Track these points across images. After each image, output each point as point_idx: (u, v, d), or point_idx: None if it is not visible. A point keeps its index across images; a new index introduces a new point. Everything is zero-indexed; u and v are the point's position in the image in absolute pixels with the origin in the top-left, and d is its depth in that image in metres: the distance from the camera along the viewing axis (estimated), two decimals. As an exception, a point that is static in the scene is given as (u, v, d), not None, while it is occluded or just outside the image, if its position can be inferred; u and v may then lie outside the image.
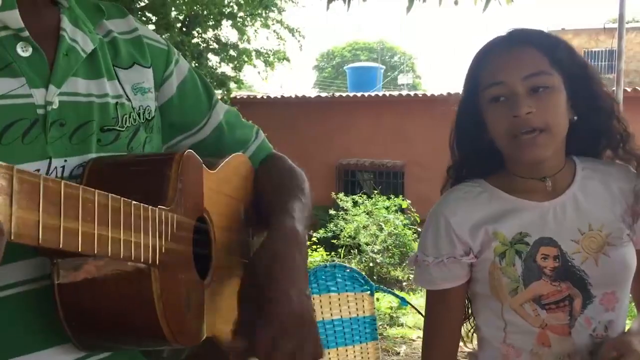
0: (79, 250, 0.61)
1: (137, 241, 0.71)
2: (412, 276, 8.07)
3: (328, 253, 8.34)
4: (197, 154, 0.92)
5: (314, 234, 8.66)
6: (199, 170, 0.92)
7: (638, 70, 19.71)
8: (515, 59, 1.24)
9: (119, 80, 0.95)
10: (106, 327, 0.79)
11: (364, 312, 2.90)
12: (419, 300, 6.97)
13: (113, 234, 0.66)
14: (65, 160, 0.83)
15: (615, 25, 10.37)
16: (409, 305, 5.86)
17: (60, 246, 0.58)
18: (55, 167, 0.82)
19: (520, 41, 1.26)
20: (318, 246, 8.31)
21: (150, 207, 0.74)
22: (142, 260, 0.72)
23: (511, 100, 1.21)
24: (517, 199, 1.28)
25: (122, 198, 0.69)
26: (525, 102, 1.20)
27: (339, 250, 8.64)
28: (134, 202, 0.71)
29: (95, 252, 0.64)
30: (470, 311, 1.40)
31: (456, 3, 5.82)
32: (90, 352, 0.84)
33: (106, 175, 0.84)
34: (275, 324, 0.84)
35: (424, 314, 1.42)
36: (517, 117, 1.20)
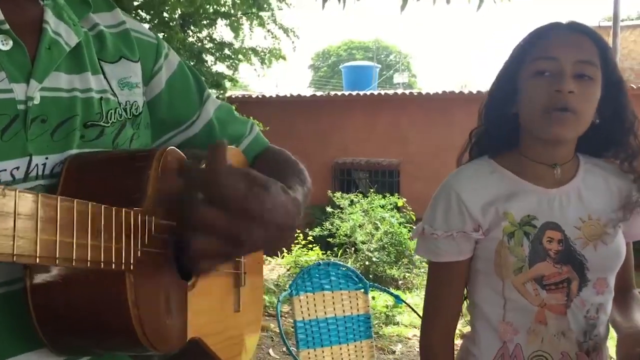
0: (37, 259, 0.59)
1: (108, 247, 0.68)
2: (407, 274, 8.09)
3: (324, 252, 8.33)
4: (188, 151, 0.89)
5: (310, 233, 8.65)
6: (181, 166, 0.88)
7: (633, 68, 19.75)
8: (573, 42, 1.29)
9: (104, 75, 0.92)
10: (81, 332, 0.77)
11: (358, 310, 2.90)
12: (414, 298, 6.97)
13: (79, 240, 0.63)
14: (47, 158, 0.81)
15: (610, 23, 10.41)
16: (404, 304, 5.86)
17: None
18: (36, 165, 0.80)
19: (580, 30, 1.31)
20: (314, 245, 8.30)
21: (123, 209, 0.71)
22: (113, 266, 0.69)
23: (557, 76, 1.25)
24: (526, 182, 1.34)
25: (90, 202, 0.66)
26: (571, 82, 1.24)
27: (335, 249, 8.63)
28: (104, 205, 0.68)
29: (57, 258, 0.61)
30: (466, 291, 1.43)
31: (448, 2, 5.84)
32: (66, 356, 0.82)
33: (84, 173, 0.81)
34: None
35: (423, 297, 1.44)
36: (559, 93, 1.24)
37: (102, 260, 0.67)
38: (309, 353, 2.73)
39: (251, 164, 1.12)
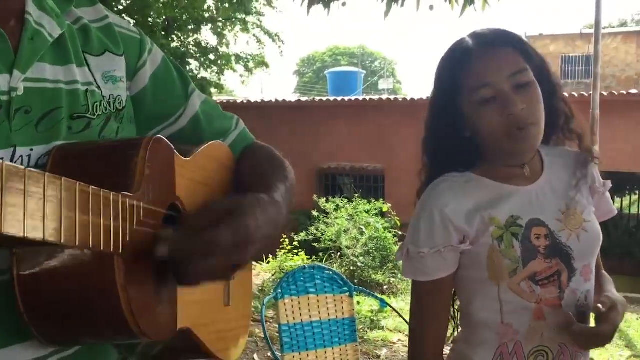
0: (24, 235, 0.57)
1: (96, 228, 0.67)
2: (392, 279, 8.10)
3: (309, 257, 8.32)
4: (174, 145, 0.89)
5: (295, 237, 8.64)
6: (169, 156, 0.88)
7: (614, 75, 19.99)
8: (496, 59, 1.30)
9: (89, 68, 0.91)
10: (70, 319, 0.76)
11: (343, 313, 2.89)
12: (399, 303, 6.98)
13: (66, 219, 0.62)
14: (31, 150, 0.80)
15: (592, 30, 10.53)
16: (388, 308, 5.87)
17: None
18: (21, 156, 0.79)
19: (493, 43, 1.32)
20: (299, 250, 8.29)
21: (111, 192, 0.71)
22: (102, 247, 0.69)
23: (502, 99, 1.28)
24: (503, 185, 1.34)
25: (78, 182, 0.65)
26: (517, 99, 1.27)
27: (320, 254, 8.62)
28: (92, 186, 0.67)
29: (44, 235, 0.59)
30: (454, 299, 1.44)
31: (431, 8, 5.90)
32: (56, 346, 0.81)
33: (71, 162, 0.80)
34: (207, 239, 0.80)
35: (410, 309, 1.42)
36: (512, 115, 1.26)
37: (90, 241, 0.66)
38: (293, 357, 2.72)
39: (237, 159, 1.12)
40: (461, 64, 1.33)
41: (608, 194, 1.48)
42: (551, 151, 1.42)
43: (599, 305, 1.27)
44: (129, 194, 0.75)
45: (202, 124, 1.10)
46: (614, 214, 1.51)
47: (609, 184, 1.46)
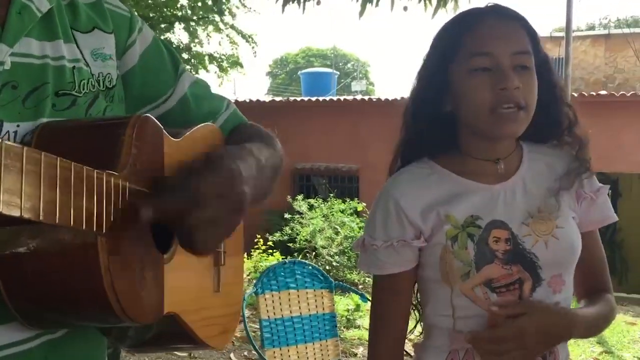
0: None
1: (78, 206, 0.65)
2: (368, 279, 8.13)
3: (284, 257, 8.30)
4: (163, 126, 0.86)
5: (270, 238, 8.61)
6: (158, 135, 0.85)
7: (583, 77, 20.33)
8: (506, 33, 1.22)
9: (77, 44, 0.89)
10: (53, 301, 0.74)
11: (323, 309, 2.88)
12: (375, 302, 7.00)
13: (46, 194, 0.59)
14: (18, 126, 0.78)
15: (562, 34, 10.69)
16: (364, 307, 5.88)
17: None
18: (7, 132, 0.77)
19: (509, 16, 1.25)
20: (274, 250, 8.27)
21: (95, 170, 0.68)
22: (84, 226, 0.66)
23: (498, 73, 1.19)
24: (468, 181, 1.26)
25: (59, 157, 0.62)
26: (514, 76, 1.19)
27: (295, 254, 8.61)
28: (74, 163, 0.65)
29: (21, 209, 0.57)
30: (417, 300, 1.36)
31: (405, 9, 5.93)
32: (39, 328, 0.79)
33: (56, 140, 0.78)
34: (188, 192, 0.78)
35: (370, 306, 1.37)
36: (505, 90, 1.18)
37: (71, 219, 0.63)
38: (274, 352, 2.70)
39: (226, 139, 1.09)
40: (468, 24, 1.24)
41: (605, 199, 1.35)
42: (537, 148, 1.33)
43: (494, 307, 1.17)
44: (114, 172, 0.73)
45: (191, 105, 1.07)
46: (611, 220, 1.36)
47: (605, 189, 1.34)
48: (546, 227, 1.23)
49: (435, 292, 1.26)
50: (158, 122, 0.86)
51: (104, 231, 0.70)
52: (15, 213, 0.56)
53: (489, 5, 1.27)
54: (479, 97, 1.20)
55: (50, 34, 0.85)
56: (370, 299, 3.66)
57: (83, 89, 0.87)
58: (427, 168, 1.29)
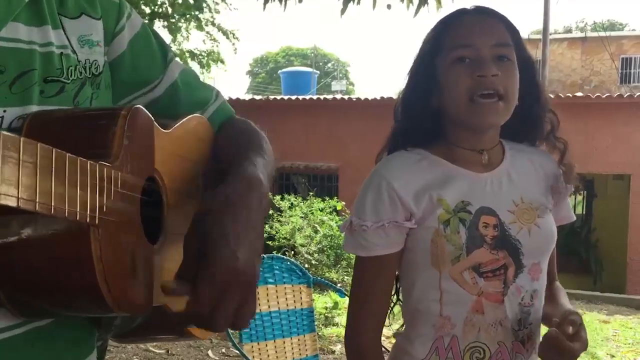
0: None
1: (73, 197, 0.65)
2: (347, 278, 8.13)
3: (263, 255, 8.30)
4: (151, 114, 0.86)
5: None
6: (148, 127, 0.86)
7: (560, 79, 20.58)
8: (487, 27, 1.29)
9: (64, 30, 0.88)
10: (43, 291, 0.74)
11: (301, 304, 2.90)
12: (353, 299, 7.02)
13: (42, 184, 0.60)
14: (5, 111, 0.78)
15: (539, 36, 10.83)
16: (342, 305, 5.90)
17: None
18: None
19: (490, 14, 1.31)
20: (253, 248, 8.25)
21: (89, 161, 0.69)
22: (77, 217, 0.66)
23: (477, 62, 1.24)
24: (457, 167, 1.30)
25: (54, 148, 0.63)
26: (492, 65, 1.24)
27: (274, 252, 8.61)
28: (69, 154, 0.65)
29: (18, 199, 0.57)
30: (397, 287, 1.39)
31: (389, 7, 5.94)
32: (27, 318, 0.79)
33: (47, 130, 0.78)
34: (218, 283, 0.79)
35: (349, 290, 1.37)
36: (483, 77, 1.22)
37: (66, 210, 0.64)
38: (252, 347, 2.71)
39: (216, 133, 1.09)
40: (454, 19, 1.31)
41: (568, 200, 1.43)
42: (516, 146, 1.38)
43: (570, 325, 1.18)
44: (107, 163, 0.73)
45: (180, 94, 1.07)
46: (571, 219, 1.46)
47: (571, 187, 1.40)
48: (529, 216, 1.29)
49: (422, 277, 1.28)
50: (149, 113, 0.86)
51: (96, 222, 0.70)
52: (12, 204, 0.57)
53: (472, 6, 1.34)
54: (459, 85, 1.24)
55: (38, 19, 0.84)
56: (347, 294, 3.68)
57: (71, 76, 0.86)
58: (418, 154, 1.32)
